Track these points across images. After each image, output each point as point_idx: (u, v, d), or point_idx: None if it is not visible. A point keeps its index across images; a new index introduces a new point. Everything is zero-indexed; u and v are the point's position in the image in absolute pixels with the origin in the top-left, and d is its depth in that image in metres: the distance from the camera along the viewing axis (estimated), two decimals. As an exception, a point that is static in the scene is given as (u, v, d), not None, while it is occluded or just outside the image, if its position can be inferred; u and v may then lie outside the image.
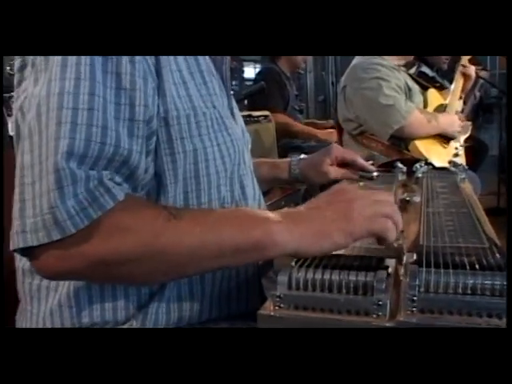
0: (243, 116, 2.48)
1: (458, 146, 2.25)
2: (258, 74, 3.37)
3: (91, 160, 0.60)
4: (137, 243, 0.60)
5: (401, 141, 2.11)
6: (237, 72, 4.89)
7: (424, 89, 2.35)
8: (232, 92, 0.89)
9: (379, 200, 0.62)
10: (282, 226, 0.60)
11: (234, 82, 5.05)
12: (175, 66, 0.72)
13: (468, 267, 0.50)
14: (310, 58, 5.14)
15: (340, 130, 2.35)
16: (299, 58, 3.20)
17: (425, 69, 3.70)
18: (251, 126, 2.56)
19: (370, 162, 1.19)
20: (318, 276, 0.52)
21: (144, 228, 0.61)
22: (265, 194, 1.16)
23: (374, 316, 0.49)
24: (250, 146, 0.94)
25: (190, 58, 0.75)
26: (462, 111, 3.74)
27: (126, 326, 0.71)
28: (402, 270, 0.56)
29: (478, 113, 5.50)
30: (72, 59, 0.62)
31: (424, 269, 0.50)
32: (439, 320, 0.47)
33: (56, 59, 0.63)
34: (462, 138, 2.34)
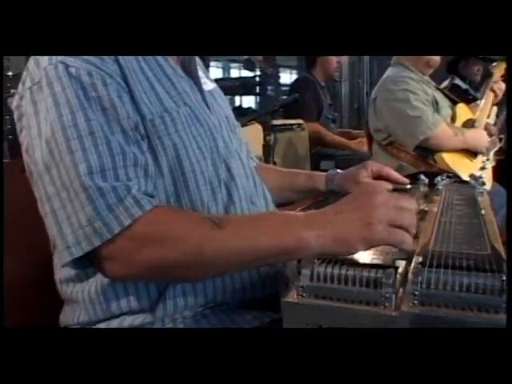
0: (278, 124, 2.55)
1: (485, 159, 2.30)
2: (294, 82, 3.48)
3: (110, 172, 0.72)
4: (186, 251, 0.71)
5: (428, 152, 2.17)
6: (273, 78, 5.01)
7: (454, 103, 2.40)
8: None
9: (401, 207, 0.67)
10: (311, 232, 0.68)
11: (269, 87, 5.19)
12: (142, 75, 0.82)
13: (465, 269, 0.58)
14: (345, 67, 5.22)
15: (370, 140, 2.42)
16: (333, 68, 3.28)
17: (458, 81, 3.72)
18: (285, 133, 2.66)
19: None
20: (336, 271, 0.61)
21: (192, 236, 0.71)
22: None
23: (382, 307, 0.57)
24: (238, 131, 1.03)
25: (155, 66, 0.85)
26: (495, 124, 3.77)
27: (149, 314, 0.81)
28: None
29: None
30: (61, 98, 0.74)
31: (427, 268, 0.58)
32: (437, 312, 0.55)
33: (48, 102, 0.75)
34: (491, 151, 2.38)
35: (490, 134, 3.38)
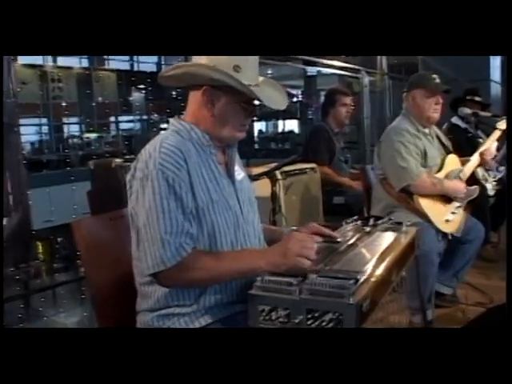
0: (294, 169, 3.20)
1: (458, 205, 2.77)
2: (309, 131, 4.16)
3: (173, 234, 1.35)
4: (204, 273, 1.37)
5: (411, 193, 2.70)
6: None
7: (448, 153, 2.90)
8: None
9: (304, 246, 1.32)
10: (264, 260, 1.34)
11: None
12: (201, 178, 1.44)
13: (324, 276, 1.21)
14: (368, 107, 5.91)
15: (366, 181, 2.99)
16: (343, 117, 3.90)
17: (456, 121, 4.23)
18: (299, 176, 3.30)
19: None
20: (270, 278, 1.24)
21: (207, 265, 1.37)
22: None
23: (290, 295, 1.20)
24: (255, 209, 1.65)
25: (209, 171, 1.47)
26: (495, 157, 4.31)
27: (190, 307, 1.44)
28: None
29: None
30: (156, 189, 1.35)
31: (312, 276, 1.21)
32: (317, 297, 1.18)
33: (150, 188, 1.36)
34: (466, 200, 2.81)
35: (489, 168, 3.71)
